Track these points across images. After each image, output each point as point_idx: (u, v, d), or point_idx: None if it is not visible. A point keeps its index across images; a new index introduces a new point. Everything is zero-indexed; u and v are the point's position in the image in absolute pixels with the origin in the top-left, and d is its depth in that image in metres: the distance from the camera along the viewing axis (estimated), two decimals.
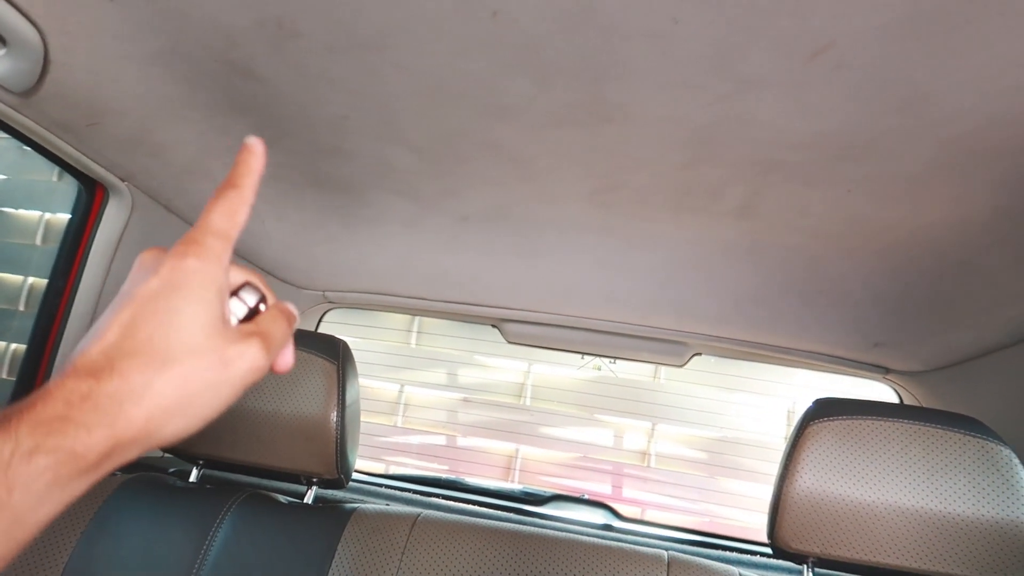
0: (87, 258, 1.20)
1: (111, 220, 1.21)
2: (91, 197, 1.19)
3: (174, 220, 1.30)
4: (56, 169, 1.12)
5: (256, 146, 0.51)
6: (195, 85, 0.95)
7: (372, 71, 0.85)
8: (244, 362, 0.43)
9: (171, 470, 1.35)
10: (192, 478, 1.25)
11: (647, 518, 2.49)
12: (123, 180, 1.15)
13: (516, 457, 2.78)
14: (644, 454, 2.71)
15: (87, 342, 0.41)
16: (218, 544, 1.08)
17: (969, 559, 0.98)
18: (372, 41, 0.79)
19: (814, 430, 1.06)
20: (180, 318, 0.41)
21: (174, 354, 0.40)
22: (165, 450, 1.21)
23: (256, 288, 0.49)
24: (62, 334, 1.21)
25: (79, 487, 0.38)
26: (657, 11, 0.68)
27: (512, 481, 2.76)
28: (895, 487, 1.01)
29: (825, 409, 1.08)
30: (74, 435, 0.37)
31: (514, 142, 0.96)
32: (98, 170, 1.12)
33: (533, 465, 2.77)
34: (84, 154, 1.08)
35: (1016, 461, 1.01)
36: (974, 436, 1.02)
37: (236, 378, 0.43)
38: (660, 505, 2.65)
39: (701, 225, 1.13)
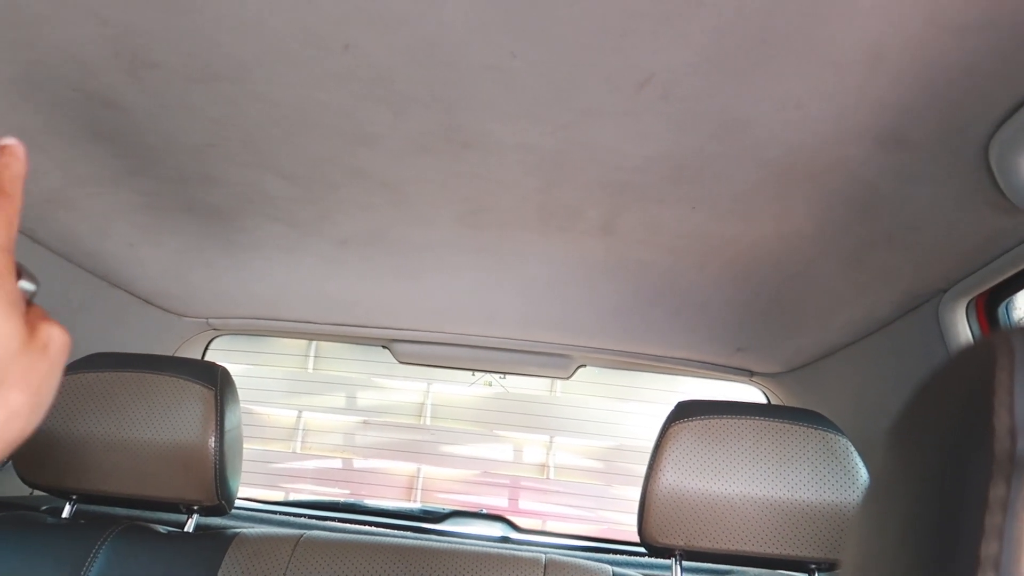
0: None
1: None
2: None
3: (40, 250, 1.26)
4: None
5: (17, 148, 0.49)
6: (53, 114, 0.94)
7: (232, 101, 0.87)
8: (55, 344, 0.46)
9: (43, 508, 1.31)
10: (65, 514, 1.21)
11: (547, 529, 2.55)
12: None
13: (418, 477, 2.79)
14: (543, 466, 2.78)
15: None
16: None
17: (814, 541, 1.08)
18: (229, 72, 0.82)
19: (675, 430, 1.14)
20: None
21: (2, 364, 0.42)
22: (33, 486, 1.17)
23: (23, 275, 0.49)
24: None
25: None
26: (495, 46, 0.73)
27: (415, 501, 2.77)
28: (748, 479, 1.10)
29: (685, 411, 1.17)
30: None
31: (380, 168, 1.00)
32: None
33: (435, 484, 2.79)
34: None
35: (852, 449, 1.11)
36: (816, 428, 1.12)
37: (56, 358, 0.46)
38: (559, 516, 2.71)
39: (568, 243, 1.20)
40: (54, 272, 1.32)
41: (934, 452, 0.26)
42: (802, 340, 1.41)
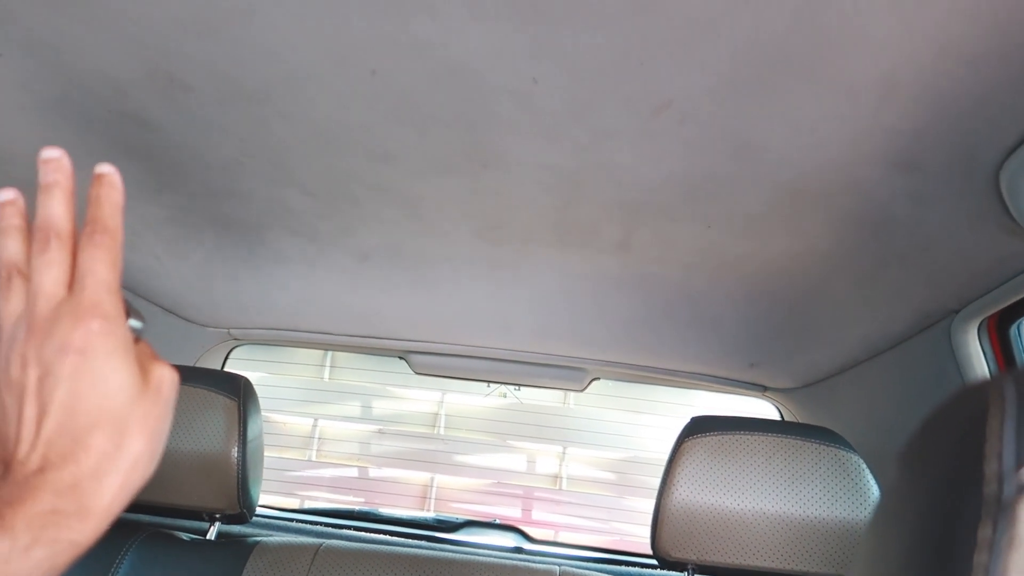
0: None
1: None
2: None
3: None
4: None
5: (113, 176, 0.50)
6: (88, 133, 0.97)
7: (260, 120, 0.90)
8: (167, 385, 0.46)
9: None
10: None
11: (560, 539, 2.56)
12: None
13: (431, 486, 2.81)
14: (556, 477, 2.79)
15: (18, 430, 0.41)
16: None
17: (825, 557, 1.09)
18: (258, 94, 0.84)
19: (689, 445, 1.15)
20: (113, 380, 0.43)
21: (123, 412, 0.42)
22: None
23: (130, 313, 0.49)
24: None
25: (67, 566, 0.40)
26: (518, 72, 0.76)
27: (428, 510, 2.79)
28: (761, 495, 1.11)
29: (699, 426, 1.18)
30: (69, 525, 0.39)
31: (401, 185, 1.02)
32: None
33: (448, 493, 2.80)
34: None
35: (863, 467, 1.12)
36: (828, 445, 1.13)
37: (168, 400, 0.46)
38: (571, 526, 2.72)
39: (584, 259, 1.22)
40: None
41: (935, 484, 0.28)
42: (815, 356, 1.42)
